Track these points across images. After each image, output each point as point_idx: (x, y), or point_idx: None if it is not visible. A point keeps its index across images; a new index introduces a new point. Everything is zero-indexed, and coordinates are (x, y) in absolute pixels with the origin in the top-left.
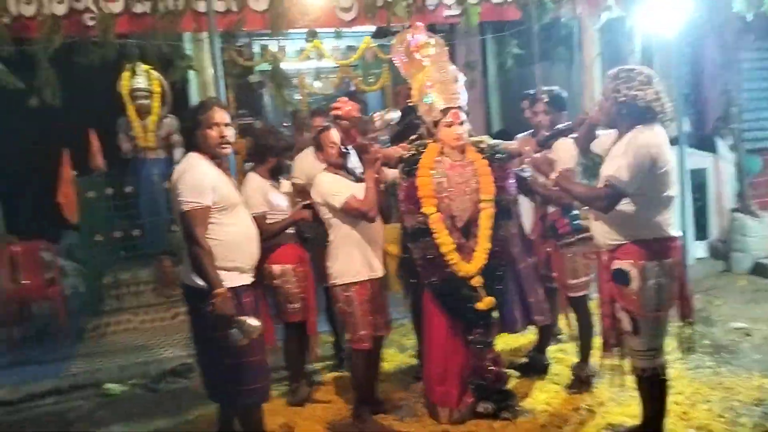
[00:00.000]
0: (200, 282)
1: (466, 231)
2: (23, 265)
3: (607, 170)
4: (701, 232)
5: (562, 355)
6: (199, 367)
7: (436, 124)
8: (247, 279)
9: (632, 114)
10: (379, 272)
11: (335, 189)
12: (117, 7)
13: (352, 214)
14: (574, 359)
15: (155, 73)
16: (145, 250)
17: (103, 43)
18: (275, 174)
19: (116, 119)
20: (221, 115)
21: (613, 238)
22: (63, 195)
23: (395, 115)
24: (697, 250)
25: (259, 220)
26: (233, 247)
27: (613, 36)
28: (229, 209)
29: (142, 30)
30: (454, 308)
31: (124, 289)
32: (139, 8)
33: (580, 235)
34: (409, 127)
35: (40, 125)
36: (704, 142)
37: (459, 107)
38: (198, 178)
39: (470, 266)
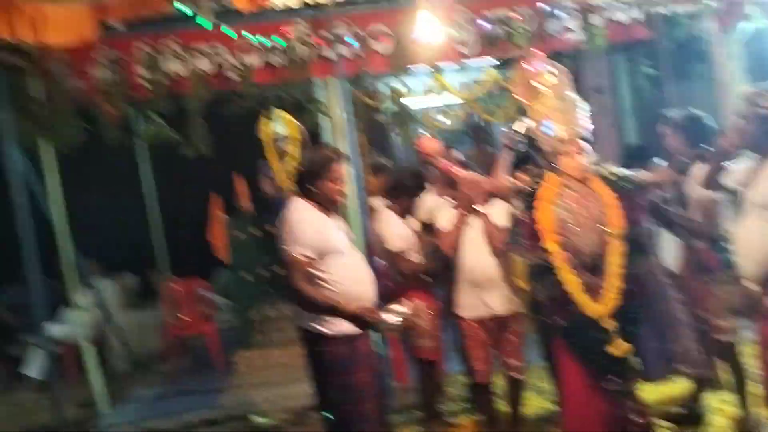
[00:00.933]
0: (315, 325)
1: (595, 268)
2: (182, 302)
3: None
4: None
5: (724, 406)
6: (318, 409)
7: (555, 154)
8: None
9: None
10: (496, 309)
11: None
12: (255, 61)
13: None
14: (737, 410)
15: (291, 118)
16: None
17: (244, 94)
18: (406, 212)
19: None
20: (343, 169)
21: None
22: (215, 235)
23: (522, 126)
24: None
25: (400, 257)
26: (342, 293)
27: (761, 48)
28: (335, 255)
29: (277, 79)
30: (584, 353)
31: (270, 325)
32: (274, 59)
33: (732, 270)
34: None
35: (194, 173)
36: None
37: (580, 136)
38: (302, 228)
39: (600, 307)
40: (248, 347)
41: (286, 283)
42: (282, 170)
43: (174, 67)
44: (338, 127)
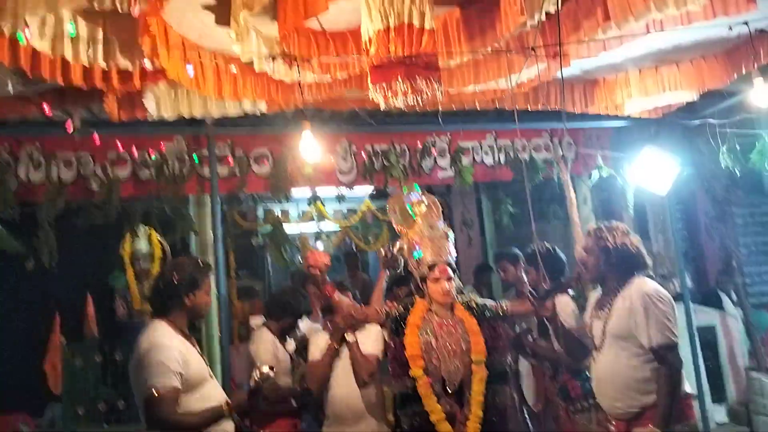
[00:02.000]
0: None
1: (460, 397)
2: None
3: (651, 337)
4: (718, 394)
5: None
6: None
7: (423, 279)
8: None
9: (624, 261)
10: None
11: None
12: (124, 173)
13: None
14: None
15: (157, 236)
16: (130, 422)
17: (106, 206)
18: (284, 333)
19: (112, 282)
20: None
21: (630, 404)
22: (49, 364)
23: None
24: (717, 414)
25: (266, 380)
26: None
27: (606, 193)
28: (199, 386)
29: (146, 194)
30: None
31: None
32: (145, 173)
33: (595, 400)
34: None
35: (37, 289)
36: (709, 298)
37: (447, 263)
38: (169, 356)
39: None
40: None
41: (151, 419)
42: (139, 291)
43: (31, 173)
44: (206, 245)
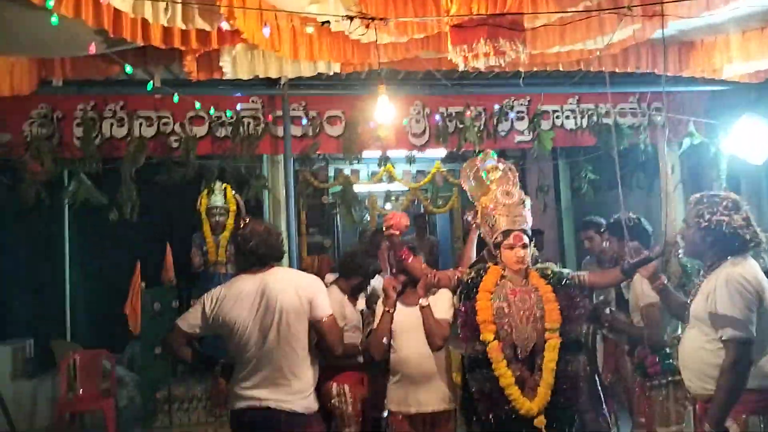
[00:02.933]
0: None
1: (532, 364)
2: (82, 373)
3: (722, 328)
4: None
5: None
6: None
7: (498, 246)
8: None
9: (719, 242)
10: (427, 407)
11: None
12: (201, 131)
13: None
14: None
15: (232, 192)
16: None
17: (185, 163)
18: (354, 292)
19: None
20: None
21: (705, 387)
22: (130, 305)
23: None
24: None
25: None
26: None
27: (697, 162)
28: None
29: (221, 152)
30: None
31: (176, 405)
32: (221, 132)
33: (673, 377)
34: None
35: (118, 239)
36: None
37: (522, 230)
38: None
39: (532, 404)
40: (148, 427)
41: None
42: (214, 243)
43: (114, 130)
44: (279, 203)
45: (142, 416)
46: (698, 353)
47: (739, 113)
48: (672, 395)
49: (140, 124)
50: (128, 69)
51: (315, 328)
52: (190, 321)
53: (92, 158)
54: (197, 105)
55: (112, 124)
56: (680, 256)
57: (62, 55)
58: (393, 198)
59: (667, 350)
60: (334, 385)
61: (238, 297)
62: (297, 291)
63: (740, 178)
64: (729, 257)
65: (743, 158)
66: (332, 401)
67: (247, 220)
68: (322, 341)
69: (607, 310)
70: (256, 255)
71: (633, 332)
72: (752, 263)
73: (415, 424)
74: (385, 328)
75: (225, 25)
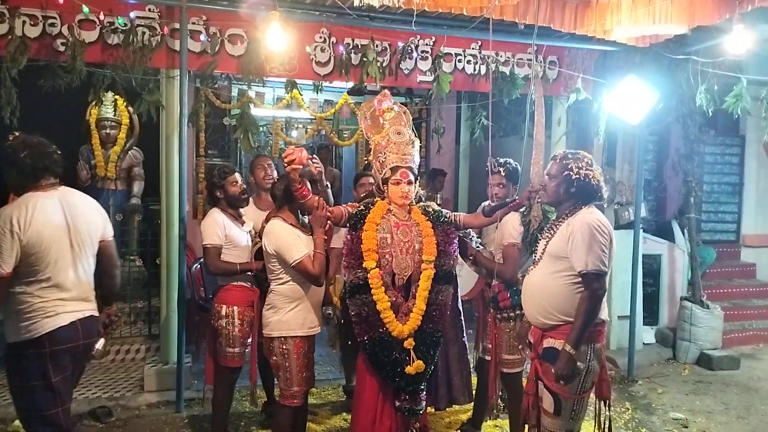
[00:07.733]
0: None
1: (407, 291)
2: None
3: (582, 262)
4: (651, 318)
5: (498, 431)
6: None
7: (385, 182)
8: None
9: (579, 192)
10: (317, 329)
11: (291, 244)
12: (91, 37)
13: (301, 274)
14: None
15: (124, 104)
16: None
17: (72, 68)
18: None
19: (78, 147)
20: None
21: (549, 317)
22: None
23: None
24: (646, 335)
25: (212, 251)
26: None
27: (580, 117)
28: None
29: (113, 61)
30: (383, 370)
31: None
32: (113, 39)
33: (521, 311)
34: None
35: None
36: (662, 230)
37: (409, 167)
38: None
39: (404, 327)
40: None
41: None
42: (104, 157)
43: None
44: (174, 122)
45: None
46: (547, 285)
47: (624, 74)
48: (517, 326)
49: (23, 23)
50: None
51: (102, 246)
52: (6, 258)
53: None
54: (85, 9)
55: None
56: (540, 201)
57: None
58: (299, 126)
59: (519, 287)
60: (224, 306)
61: (46, 220)
62: (98, 210)
63: (617, 134)
64: (584, 206)
65: (621, 117)
66: (220, 321)
67: (17, 134)
68: (107, 261)
69: (474, 244)
70: (30, 167)
71: (492, 267)
72: (599, 211)
73: (309, 345)
74: (323, 253)
75: None
